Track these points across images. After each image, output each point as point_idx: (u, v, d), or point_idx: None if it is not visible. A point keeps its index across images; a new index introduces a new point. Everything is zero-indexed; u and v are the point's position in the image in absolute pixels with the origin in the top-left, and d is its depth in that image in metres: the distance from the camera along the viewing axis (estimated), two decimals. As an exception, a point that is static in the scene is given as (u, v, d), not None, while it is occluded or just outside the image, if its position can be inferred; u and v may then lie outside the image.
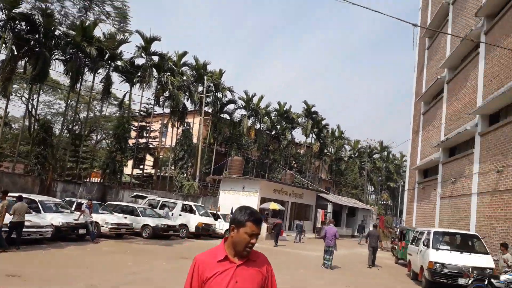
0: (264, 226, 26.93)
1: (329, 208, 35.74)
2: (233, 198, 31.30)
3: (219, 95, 40.77)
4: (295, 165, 51.07)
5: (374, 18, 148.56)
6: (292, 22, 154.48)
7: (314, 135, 51.39)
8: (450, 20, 21.94)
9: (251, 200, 30.34)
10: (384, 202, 71.12)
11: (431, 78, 24.90)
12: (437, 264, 11.90)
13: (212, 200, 34.71)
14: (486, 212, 14.70)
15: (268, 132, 47.69)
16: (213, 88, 39.67)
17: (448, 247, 12.77)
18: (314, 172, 54.58)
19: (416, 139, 28.02)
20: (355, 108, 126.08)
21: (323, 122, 51.07)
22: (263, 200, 30.39)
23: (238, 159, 36.16)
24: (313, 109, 49.27)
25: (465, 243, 13.19)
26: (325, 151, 54.10)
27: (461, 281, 11.26)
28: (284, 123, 47.95)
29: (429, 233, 13.56)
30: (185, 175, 37.31)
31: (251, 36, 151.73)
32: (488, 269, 11.39)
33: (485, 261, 11.92)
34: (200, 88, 38.74)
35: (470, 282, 10.42)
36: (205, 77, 37.44)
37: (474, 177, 16.12)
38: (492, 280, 9.80)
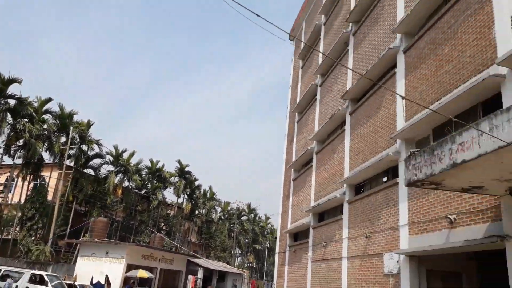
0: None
1: (200, 273, 34.34)
2: (94, 265, 27.73)
3: (85, 147, 37.29)
4: (164, 227, 48.58)
5: (246, 89, 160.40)
6: (170, 80, 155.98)
7: (186, 196, 50.36)
8: (318, 99, 24.83)
9: (116, 267, 27.28)
10: (250, 264, 72.04)
11: (301, 148, 27.21)
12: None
13: (66, 268, 30.16)
14: (357, 275, 15.84)
15: (137, 191, 44.88)
16: (79, 140, 36.20)
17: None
18: (183, 235, 52.61)
19: (286, 203, 29.58)
20: (227, 170, 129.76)
21: (196, 183, 50.87)
22: (129, 267, 27.60)
23: (103, 220, 32.64)
24: (186, 169, 48.83)
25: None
26: (197, 212, 53.20)
27: None
28: (155, 181, 45.95)
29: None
30: (33, 238, 31.93)
31: (125, 90, 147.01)
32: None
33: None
34: (63, 139, 34.92)
35: None
36: (71, 128, 34.06)
37: (344, 242, 17.44)
38: None
